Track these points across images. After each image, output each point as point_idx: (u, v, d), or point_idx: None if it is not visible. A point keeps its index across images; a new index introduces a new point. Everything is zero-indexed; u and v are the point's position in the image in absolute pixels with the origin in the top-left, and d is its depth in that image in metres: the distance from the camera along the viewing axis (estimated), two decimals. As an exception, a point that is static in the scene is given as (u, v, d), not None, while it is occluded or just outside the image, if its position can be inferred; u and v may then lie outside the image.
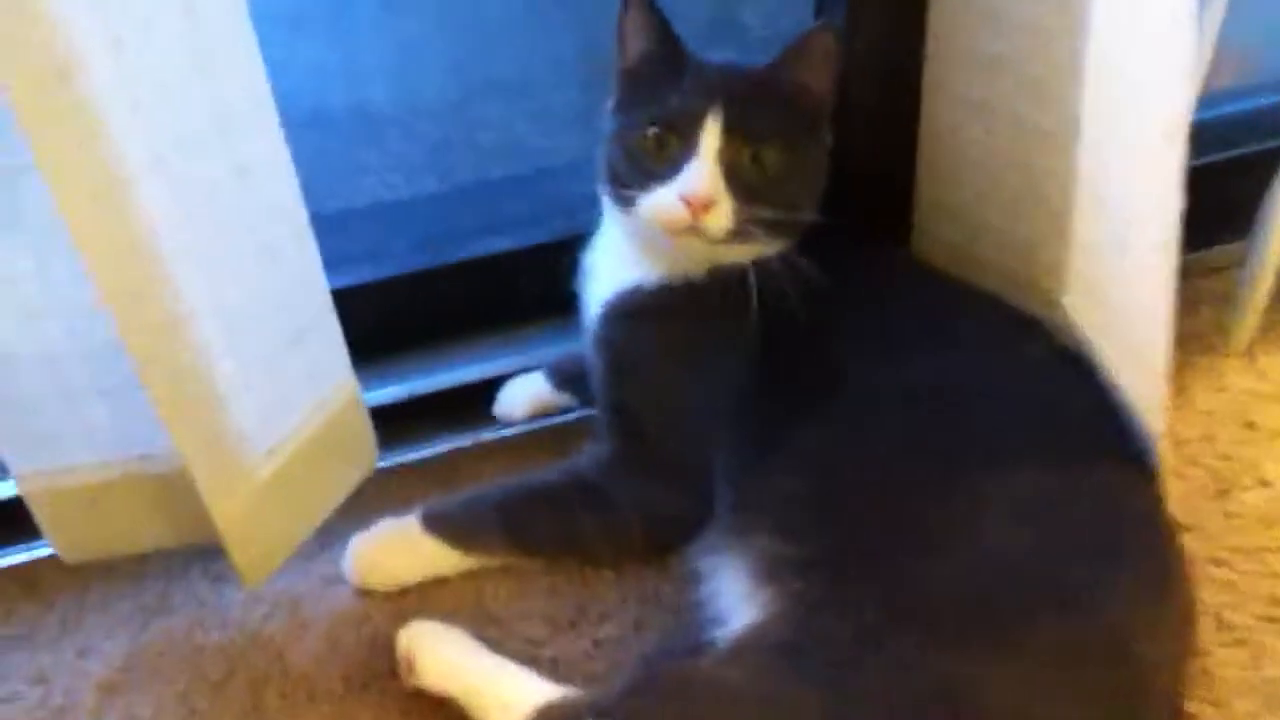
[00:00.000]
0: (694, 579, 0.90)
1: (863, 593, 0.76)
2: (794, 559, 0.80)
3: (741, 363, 0.93)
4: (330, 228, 0.90)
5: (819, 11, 1.06)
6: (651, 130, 0.91)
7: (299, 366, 0.91)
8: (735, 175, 0.89)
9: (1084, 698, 0.72)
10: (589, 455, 0.99)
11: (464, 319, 1.15)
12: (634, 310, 0.97)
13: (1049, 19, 0.84)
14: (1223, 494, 1.02)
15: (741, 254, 0.92)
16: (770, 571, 0.82)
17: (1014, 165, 0.94)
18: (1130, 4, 0.72)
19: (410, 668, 0.88)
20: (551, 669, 0.89)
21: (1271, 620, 0.92)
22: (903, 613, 0.74)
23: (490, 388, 1.12)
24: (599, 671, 0.90)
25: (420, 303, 1.14)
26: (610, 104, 0.97)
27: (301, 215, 0.86)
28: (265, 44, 0.76)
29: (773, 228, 0.90)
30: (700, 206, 0.88)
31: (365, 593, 0.97)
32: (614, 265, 1.00)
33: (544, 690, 0.85)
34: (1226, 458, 1.05)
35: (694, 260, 0.94)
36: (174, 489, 0.89)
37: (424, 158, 1.63)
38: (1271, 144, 1.18)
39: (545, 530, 0.97)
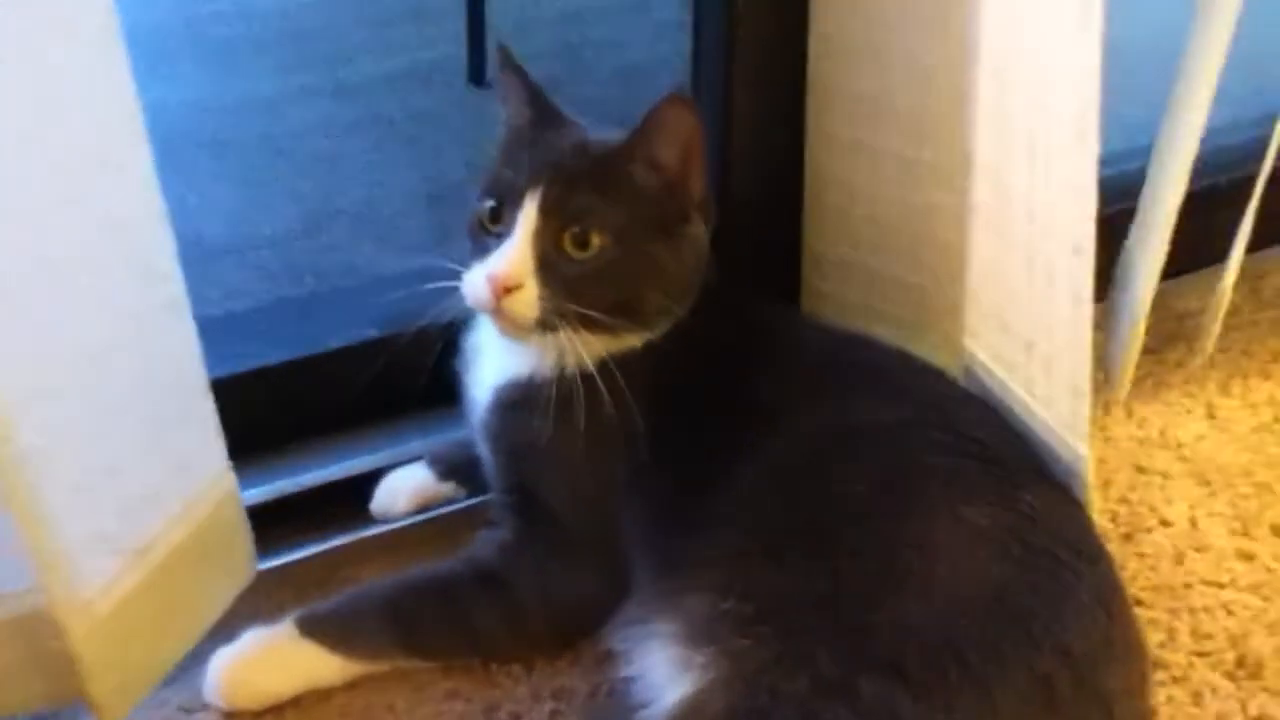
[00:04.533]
0: (614, 660, 0.84)
1: (816, 644, 0.70)
2: (735, 615, 0.74)
3: (645, 444, 0.85)
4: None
5: (696, 64, 1.04)
6: (488, 203, 0.86)
7: (170, 454, 0.80)
8: (550, 260, 0.82)
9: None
10: (484, 541, 0.91)
11: (334, 413, 1.06)
12: (524, 401, 0.88)
13: (931, 53, 0.86)
14: (1128, 537, 1.02)
15: (595, 346, 0.84)
16: (708, 632, 0.75)
17: (902, 206, 0.94)
18: (1030, 18, 0.73)
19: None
20: (461, 781, 0.79)
21: (1203, 655, 0.90)
22: (863, 661, 0.69)
23: (366, 484, 1.02)
24: (514, 779, 0.80)
25: (286, 397, 1.04)
26: None
27: (178, 279, 0.77)
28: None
29: (604, 322, 0.83)
30: (503, 288, 0.81)
31: (233, 716, 0.85)
32: (498, 352, 0.92)
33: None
34: (1125, 501, 1.06)
35: (556, 351, 0.86)
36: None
37: (267, 282, 1.54)
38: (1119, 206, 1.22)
39: (441, 625, 0.88)
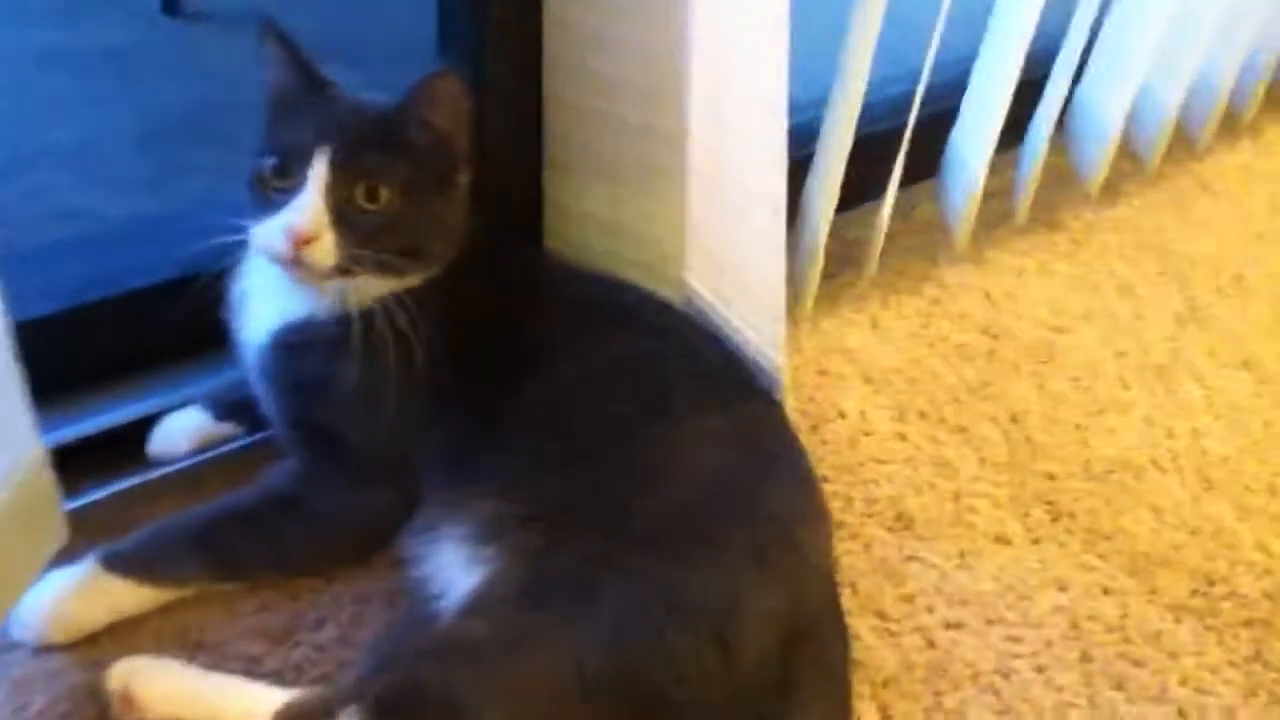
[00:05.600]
0: (408, 563, 0.95)
1: (586, 529, 0.86)
2: (516, 515, 0.89)
3: (428, 372, 0.95)
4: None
5: (442, 48, 1.15)
6: (269, 161, 0.92)
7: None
8: (344, 212, 0.91)
9: (769, 580, 0.87)
10: (279, 472, 0.99)
11: (103, 361, 1.09)
12: (306, 342, 0.97)
13: (654, 40, 1.00)
14: (815, 428, 1.25)
15: (377, 287, 0.94)
16: (492, 532, 0.89)
17: (632, 165, 1.09)
18: (731, 17, 0.90)
19: (129, 705, 0.84)
20: (277, 680, 0.89)
21: (871, 515, 1.15)
22: (622, 537, 0.86)
23: (143, 430, 1.07)
24: (327, 673, 0.92)
25: (53, 347, 1.04)
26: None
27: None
28: None
29: (394, 265, 0.93)
30: (302, 239, 0.89)
31: (47, 650, 0.90)
32: (275, 296, 0.99)
33: (279, 694, 0.85)
34: (811, 399, 1.28)
35: (340, 293, 0.95)
36: None
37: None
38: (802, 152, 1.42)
39: (251, 550, 0.96)
